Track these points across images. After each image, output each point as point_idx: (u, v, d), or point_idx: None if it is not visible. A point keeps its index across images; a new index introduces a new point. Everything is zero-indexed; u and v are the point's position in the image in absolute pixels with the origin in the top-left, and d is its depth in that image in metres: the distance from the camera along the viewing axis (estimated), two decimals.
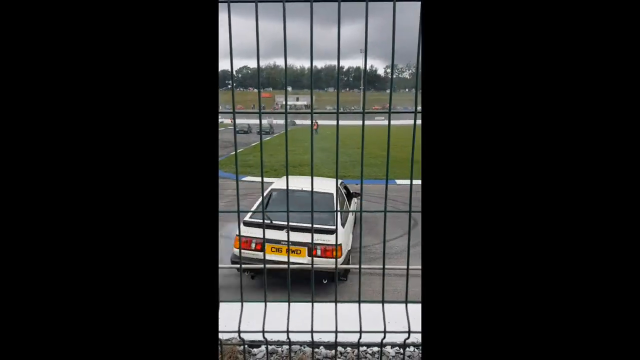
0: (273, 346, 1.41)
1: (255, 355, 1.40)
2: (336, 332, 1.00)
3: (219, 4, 0.65)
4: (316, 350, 1.39)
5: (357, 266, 1.04)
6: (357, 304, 1.04)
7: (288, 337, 1.01)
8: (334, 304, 1.02)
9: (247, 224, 3.19)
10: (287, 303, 1.04)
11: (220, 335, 1.07)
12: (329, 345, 1.41)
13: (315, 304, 1.05)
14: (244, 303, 1.04)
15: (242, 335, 1.01)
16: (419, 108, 0.75)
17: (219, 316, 1.07)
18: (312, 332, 1.00)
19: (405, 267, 1.01)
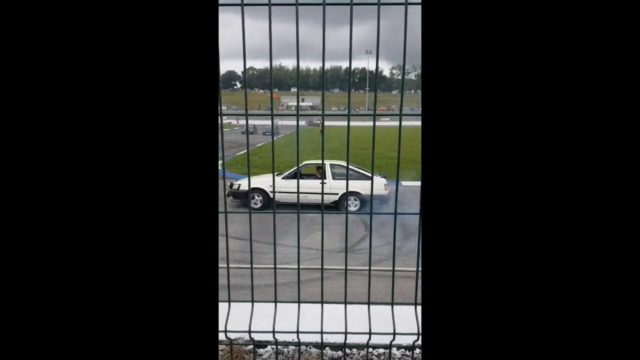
0: (279, 346, 1.41)
1: (262, 355, 1.41)
2: (345, 333, 1.00)
3: (227, 6, 0.65)
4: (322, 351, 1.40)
5: (367, 268, 1.04)
6: (366, 305, 1.04)
7: (298, 338, 1.02)
8: (343, 305, 1.02)
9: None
10: (296, 304, 1.05)
11: (229, 335, 1.07)
12: (335, 346, 1.41)
13: (325, 305, 1.05)
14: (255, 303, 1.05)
15: (252, 335, 1.01)
16: None
17: (229, 315, 1.07)
18: (321, 332, 1.00)
19: (415, 269, 1.01)
